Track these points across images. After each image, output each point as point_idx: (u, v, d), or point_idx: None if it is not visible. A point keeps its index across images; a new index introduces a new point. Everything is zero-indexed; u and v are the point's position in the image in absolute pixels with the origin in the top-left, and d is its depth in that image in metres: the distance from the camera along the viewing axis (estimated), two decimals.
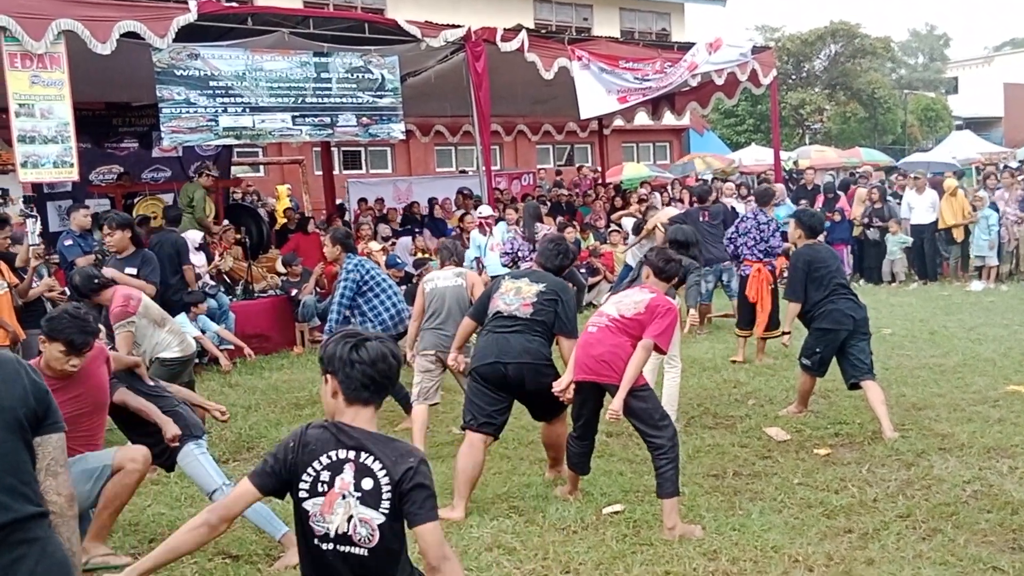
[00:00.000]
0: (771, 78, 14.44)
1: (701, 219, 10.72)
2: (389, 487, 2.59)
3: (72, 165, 9.10)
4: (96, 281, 6.11)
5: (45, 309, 8.15)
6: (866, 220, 14.54)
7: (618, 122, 18.36)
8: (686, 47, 13.47)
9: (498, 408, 5.29)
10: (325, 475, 2.62)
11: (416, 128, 17.56)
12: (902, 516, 4.85)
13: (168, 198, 12.80)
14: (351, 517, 2.60)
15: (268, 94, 10.37)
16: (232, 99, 10.16)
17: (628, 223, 13.45)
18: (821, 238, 7.28)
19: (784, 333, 7.21)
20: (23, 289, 7.62)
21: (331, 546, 2.63)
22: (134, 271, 7.21)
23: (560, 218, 15.12)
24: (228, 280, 11.27)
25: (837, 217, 14.39)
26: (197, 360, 8.85)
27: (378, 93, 11.13)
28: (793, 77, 41.02)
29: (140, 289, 6.51)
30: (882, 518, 4.83)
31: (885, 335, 9.60)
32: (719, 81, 14.14)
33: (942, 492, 5.15)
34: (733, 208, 14.53)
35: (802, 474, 5.62)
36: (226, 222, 12.45)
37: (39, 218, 10.38)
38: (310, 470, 2.63)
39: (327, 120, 10.84)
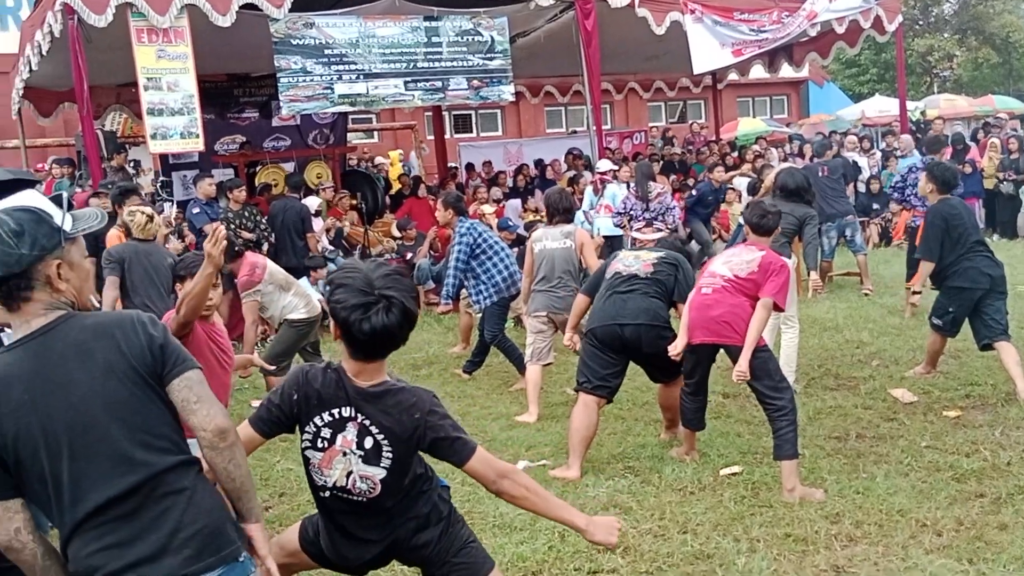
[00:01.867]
0: (896, 24, 13.72)
1: (820, 174, 10.36)
2: (390, 447, 2.56)
3: (198, 136, 9.46)
4: (235, 248, 6.39)
5: None
6: (1000, 172, 13.77)
7: (733, 76, 17.79)
8: None
9: (612, 371, 5.27)
10: (326, 432, 2.59)
11: (526, 89, 17.49)
12: None
13: (288, 166, 13.16)
14: (350, 473, 2.59)
15: (380, 60, 10.51)
16: (346, 66, 10.34)
17: (742, 183, 13.12)
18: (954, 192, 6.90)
19: (914, 292, 6.92)
20: None
21: (328, 494, 2.67)
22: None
23: (673, 177, 14.90)
24: (346, 245, 11.56)
25: (968, 169, 13.67)
26: (321, 323, 9.16)
27: (488, 55, 11.12)
28: (920, 22, 38.95)
29: None
30: (1016, 482, 4.62)
31: (1022, 292, 9.11)
32: (840, 30, 13.51)
33: None
34: (855, 162, 14.02)
35: (930, 437, 5.42)
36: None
37: (173, 200, 10.86)
38: (312, 424, 2.59)
39: (438, 84, 10.91)
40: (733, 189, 13.32)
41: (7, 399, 1.98)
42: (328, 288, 2.57)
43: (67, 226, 2.09)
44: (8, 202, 2.05)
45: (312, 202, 11.06)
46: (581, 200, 11.68)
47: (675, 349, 4.97)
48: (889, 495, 4.57)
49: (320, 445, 2.60)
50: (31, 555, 2.01)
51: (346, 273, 2.53)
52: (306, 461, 2.67)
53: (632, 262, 5.33)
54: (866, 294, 9.94)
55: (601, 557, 4.08)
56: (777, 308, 4.88)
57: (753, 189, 10.81)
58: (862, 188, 14.26)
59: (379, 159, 18.31)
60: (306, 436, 2.62)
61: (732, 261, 4.97)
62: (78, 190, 10.38)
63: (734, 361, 4.78)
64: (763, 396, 4.75)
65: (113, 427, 2.00)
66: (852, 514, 4.39)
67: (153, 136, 9.29)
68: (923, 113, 24.06)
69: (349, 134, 16.43)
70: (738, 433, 5.72)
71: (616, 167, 11.83)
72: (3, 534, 2.00)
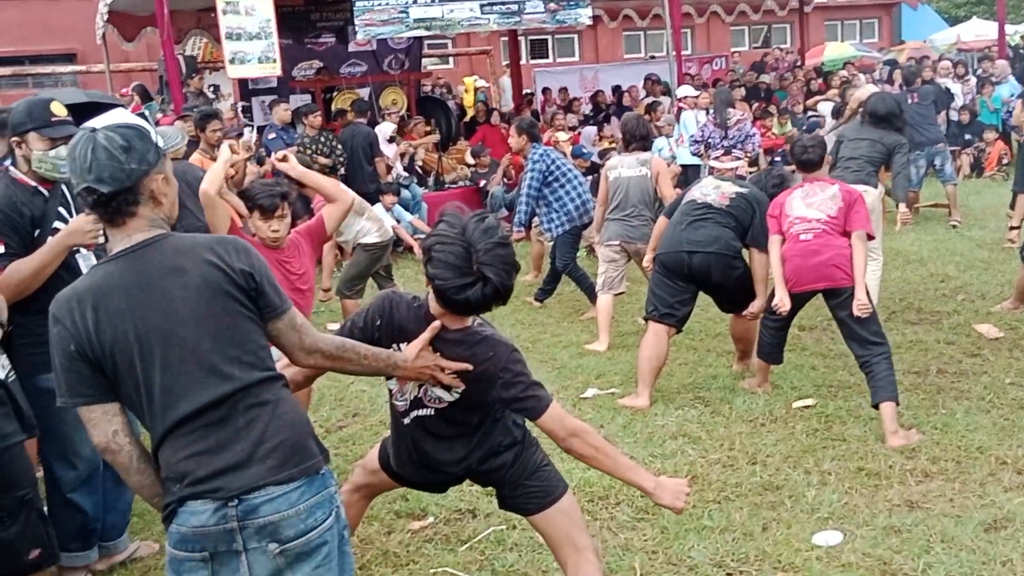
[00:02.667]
0: None
1: (910, 101, 9.92)
2: (462, 385, 2.58)
3: (275, 61, 9.49)
4: (323, 172, 6.50)
5: None
6: None
7: None
8: None
9: (680, 299, 5.19)
10: None
11: (604, 13, 17.04)
12: None
13: (364, 92, 13.16)
14: (423, 386, 2.64)
15: None
16: None
17: (826, 108, 12.67)
18: None
19: (1012, 228, 6.62)
20: (238, 180, 8.10)
21: (409, 420, 2.71)
22: None
23: (755, 104, 14.46)
24: (420, 172, 11.57)
25: None
26: (393, 248, 9.25)
27: None
28: None
29: None
30: None
31: None
32: None
33: None
34: (947, 89, 13.39)
35: (1015, 373, 5.24)
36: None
37: (253, 125, 10.99)
38: (393, 347, 2.58)
39: (514, 7, 10.70)
40: (817, 115, 12.89)
41: (106, 306, 2.04)
42: (424, 249, 2.55)
43: (160, 142, 2.16)
44: (108, 120, 2.11)
45: (386, 128, 11.06)
46: (659, 129, 11.44)
47: (780, 305, 4.77)
48: (968, 431, 4.46)
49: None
50: (127, 457, 2.09)
51: (445, 240, 2.46)
52: (389, 395, 2.75)
53: (710, 191, 5.20)
54: (954, 226, 9.58)
55: None
56: (869, 237, 4.77)
57: (837, 112, 10.42)
58: (954, 116, 13.65)
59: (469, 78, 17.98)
60: None
61: (813, 201, 4.81)
62: (160, 115, 10.56)
63: (835, 301, 4.67)
64: (865, 340, 4.60)
65: (204, 340, 2.06)
66: (929, 450, 4.30)
67: (231, 61, 9.35)
68: (1023, 37, 22.78)
69: (424, 60, 16.32)
70: (813, 366, 5.62)
71: (696, 93, 11.52)
72: (101, 436, 2.08)
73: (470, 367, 2.52)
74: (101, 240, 3.40)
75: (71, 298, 2.08)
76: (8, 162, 3.44)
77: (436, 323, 2.51)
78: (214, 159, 7.61)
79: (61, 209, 3.40)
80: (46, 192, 3.38)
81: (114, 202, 2.05)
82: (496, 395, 2.56)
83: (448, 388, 2.60)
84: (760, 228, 5.08)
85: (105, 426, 2.08)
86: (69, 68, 14.20)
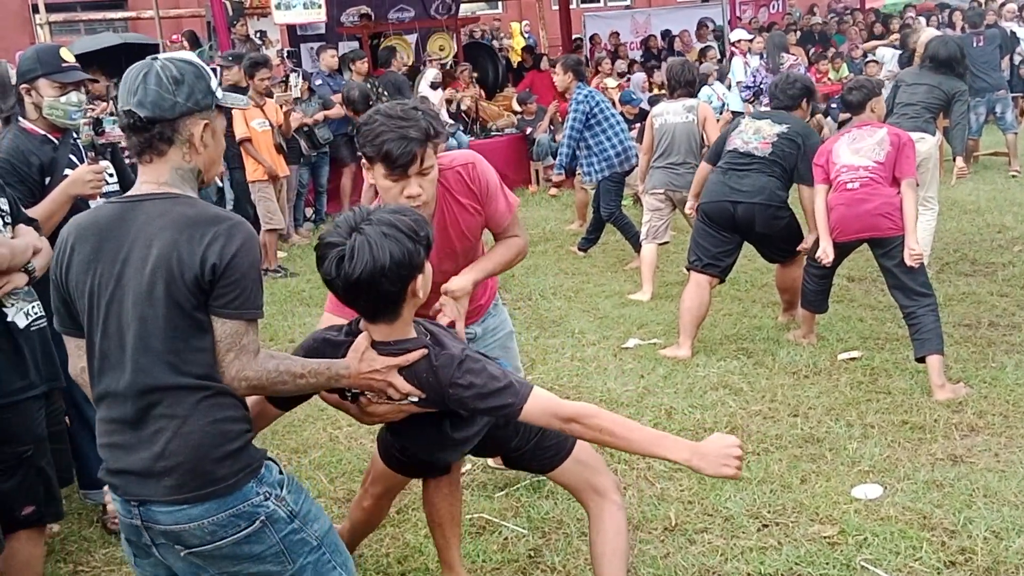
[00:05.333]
0: None
1: (974, 44, 9.57)
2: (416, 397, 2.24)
3: (320, 6, 9.46)
4: (369, 102, 6.47)
5: (301, 149, 8.75)
6: None
7: None
8: None
9: (724, 250, 5.12)
10: None
11: None
12: None
13: (411, 38, 13.07)
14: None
15: None
16: None
17: (885, 54, 12.27)
18: None
19: None
20: (285, 129, 8.14)
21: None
22: None
23: (812, 49, 14.07)
24: (466, 118, 11.50)
25: None
26: None
27: None
28: None
29: None
30: None
31: None
32: None
33: None
34: (1013, 33, 12.88)
35: None
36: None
37: (300, 73, 10.97)
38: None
39: None
40: (875, 61, 12.50)
41: (80, 249, 2.00)
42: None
43: (219, 93, 2.08)
44: (173, 54, 2.08)
45: (429, 74, 10.99)
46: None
47: (824, 257, 4.68)
48: (1017, 386, 4.36)
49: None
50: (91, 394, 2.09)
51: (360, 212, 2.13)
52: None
53: (751, 137, 5.06)
54: (1013, 175, 9.29)
55: (707, 435, 3.99)
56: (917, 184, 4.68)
57: (907, 60, 10.06)
58: (1018, 60, 13.14)
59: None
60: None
61: (860, 147, 4.68)
62: (209, 61, 10.60)
63: (881, 251, 4.58)
64: (912, 290, 4.50)
65: (135, 324, 1.93)
66: (976, 404, 4.21)
67: (277, 6, 9.34)
68: None
69: (472, 5, 16.14)
70: (860, 318, 5.52)
71: (750, 37, 11.24)
72: (73, 368, 2.12)
73: (420, 392, 2.18)
74: (104, 189, 3.42)
75: (66, 228, 2.06)
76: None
77: (363, 335, 2.17)
78: (260, 107, 7.68)
79: (72, 157, 3.42)
80: (56, 140, 3.40)
81: (148, 131, 1.97)
82: (456, 409, 2.25)
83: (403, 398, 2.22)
84: (806, 164, 4.94)
85: (75, 360, 2.09)
86: (120, 14, 14.29)
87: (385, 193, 2.60)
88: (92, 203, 3.41)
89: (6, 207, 2.78)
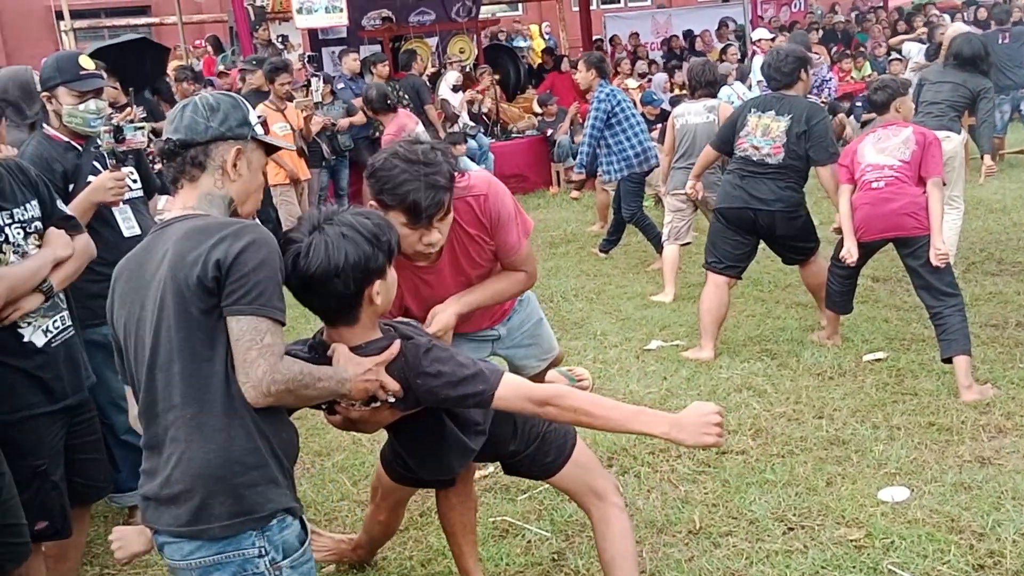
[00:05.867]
0: None
1: (1000, 41, 9.47)
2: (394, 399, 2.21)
3: (341, 10, 9.51)
4: (388, 101, 6.50)
5: (323, 152, 8.79)
6: None
7: None
8: None
9: (743, 252, 5.08)
10: None
11: None
12: None
13: (432, 41, 13.10)
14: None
15: None
16: None
17: (912, 49, 12.16)
18: None
19: None
20: (306, 132, 8.18)
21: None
22: None
23: (834, 47, 13.98)
24: (487, 120, 11.50)
25: None
26: None
27: None
28: None
29: None
30: None
31: None
32: None
33: None
34: None
35: None
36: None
37: (322, 77, 11.04)
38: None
39: None
40: (899, 59, 12.41)
41: (118, 289, 2.01)
42: None
43: (258, 129, 2.09)
44: (216, 92, 2.13)
45: (450, 77, 11.01)
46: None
47: (848, 256, 4.63)
48: None
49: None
50: None
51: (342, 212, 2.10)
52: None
53: (761, 142, 4.91)
54: None
55: (731, 438, 4.04)
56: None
57: (933, 54, 9.96)
58: None
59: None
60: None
61: (886, 146, 4.63)
62: (231, 66, 10.68)
63: (907, 250, 4.54)
64: (938, 290, 4.45)
65: (151, 341, 1.89)
66: (1003, 405, 4.16)
67: (299, 11, 9.40)
68: None
69: (492, 7, 16.15)
70: (886, 319, 5.47)
71: (771, 36, 11.17)
72: (131, 418, 2.07)
73: (397, 387, 2.13)
74: (125, 196, 3.43)
75: (115, 272, 2.05)
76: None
77: (338, 344, 2.11)
78: (281, 111, 7.72)
79: (96, 164, 3.44)
80: (79, 147, 3.42)
81: (181, 156, 1.99)
82: (423, 401, 2.21)
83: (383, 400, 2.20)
84: (818, 146, 4.83)
85: (132, 408, 2.05)
86: (143, 20, 14.44)
87: (402, 240, 2.38)
88: (115, 210, 3.45)
89: (36, 211, 2.74)
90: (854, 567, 3.03)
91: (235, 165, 2.02)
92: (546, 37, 18.43)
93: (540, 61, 15.05)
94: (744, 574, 3.07)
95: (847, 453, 3.85)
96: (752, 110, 5.04)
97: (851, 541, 3.19)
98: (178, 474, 1.87)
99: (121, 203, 3.42)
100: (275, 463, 1.93)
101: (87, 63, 3.38)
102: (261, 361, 1.83)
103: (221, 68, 10.61)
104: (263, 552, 1.89)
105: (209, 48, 12.99)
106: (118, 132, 3.42)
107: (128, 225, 3.50)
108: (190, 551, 1.88)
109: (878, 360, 4.82)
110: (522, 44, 16.83)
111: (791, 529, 3.32)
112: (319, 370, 1.98)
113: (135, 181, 3.61)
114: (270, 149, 2.16)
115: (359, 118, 9.09)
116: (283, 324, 1.91)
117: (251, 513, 1.87)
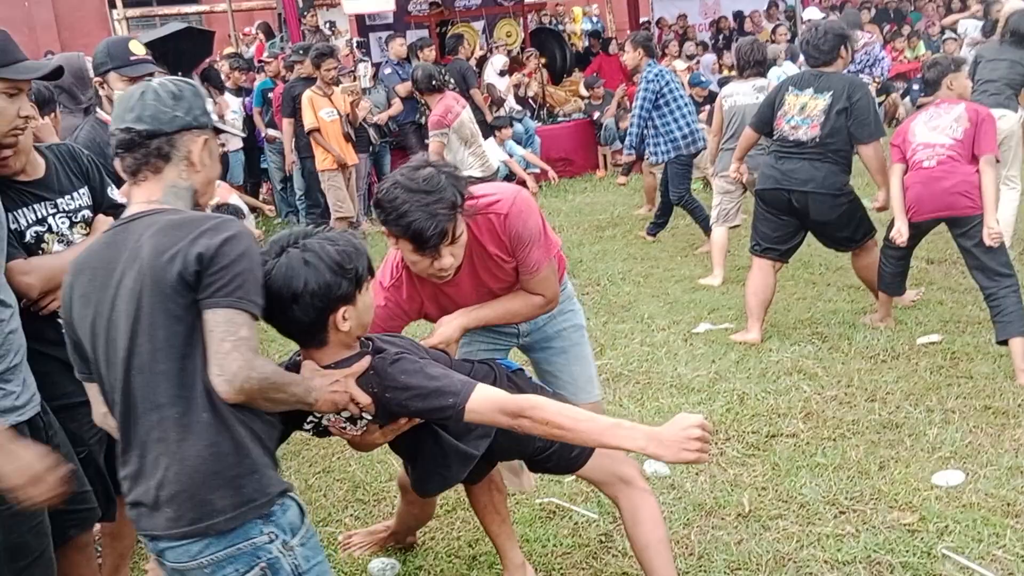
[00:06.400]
0: None
1: None
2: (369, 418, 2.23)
3: None
4: (433, 82, 6.50)
5: (370, 138, 8.85)
6: None
7: None
8: None
9: (783, 234, 4.96)
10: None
11: None
12: None
13: (478, 25, 13.08)
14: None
15: None
16: None
17: (968, 26, 11.85)
18: None
19: None
20: (353, 118, 8.24)
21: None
22: None
23: (887, 27, 13.69)
24: (533, 104, 11.47)
25: None
26: (507, 181, 9.26)
27: None
28: None
29: None
30: None
31: None
32: None
33: None
34: None
35: None
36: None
37: (369, 62, 11.11)
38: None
39: None
40: (953, 38, 12.11)
41: (79, 285, 1.94)
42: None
43: (214, 117, 2.06)
44: (169, 77, 2.09)
45: (497, 61, 10.99)
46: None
47: (897, 236, 4.56)
48: None
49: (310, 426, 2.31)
50: None
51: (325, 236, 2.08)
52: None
53: (799, 121, 4.81)
54: None
55: (781, 421, 4.00)
56: (996, 160, 4.50)
57: (990, 31, 9.68)
58: None
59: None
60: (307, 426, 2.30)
61: (938, 124, 4.53)
62: (279, 51, 10.76)
63: (959, 230, 4.45)
64: (992, 271, 4.36)
65: (128, 342, 1.84)
66: None
67: None
68: None
69: None
70: (940, 301, 5.37)
71: (822, 16, 10.96)
72: (97, 415, 2.04)
73: (368, 400, 2.13)
74: None
75: (69, 267, 1.99)
76: None
77: (307, 362, 2.11)
78: (328, 96, 7.77)
79: None
80: None
81: (146, 147, 1.91)
82: (403, 415, 2.21)
83: (358, 419, 2.22)
84: (860, 123, 4.68)
85: (97, 406, 2.01)
86: (193, 8, 14.59)
87: (414, 266, 2.48)
88: None
89: (85, 199, 2.74)
90: (907, 551, 2.99)
91: (201, 155, 1.97)
92: (594, 20, 18.27)
93: (585, 44, 14.95)
94: (794, 557, 3.04)
95: (900, 436, 3.79)
96: (790, 88, 4.93)
97: (904, 525, 3.15)
98: (172, 475, 1.83)
99: None
100: (261, 449, 1.91)
101: (137, 49, 3.43)
102: (236, 354, 1.77)
103: (265, 56, 10.69)
104: (272, 537, 1.88)
105: (260, 35, 13.09)
106: None
107: None
108: (199, 551, 1.85)
109: (932, 343, 4.73)
110: (569, 28, 16.74)
111: (842, 513, 3.28)
112: (289, 375, 1.97)
113: None
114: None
115: (396, 108, 9.12)
116: (258, 319, 1.87)
117: (252, 501, 1.86)
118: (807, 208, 4.82)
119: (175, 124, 1.93)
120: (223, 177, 7.80)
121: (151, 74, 3.54)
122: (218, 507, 1.83)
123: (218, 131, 2.07)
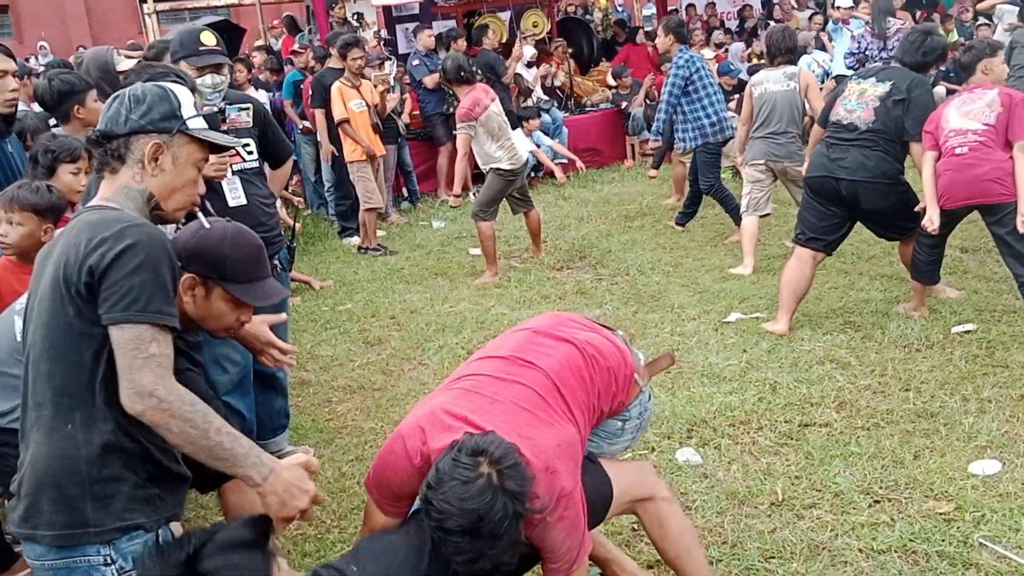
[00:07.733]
0: None
1: None
2: None
3: None
4: (462, 73, 6.49)
5: (398, 129, 8.86)
6: None
7: None
8: None
9: (829, 224, 4.89)
10: None
11: None
12: None
13: (505, 15, 13.04)
14: None
15: None
16: None
17: (1005, 10, 11.67)
18: None
19: None
20: (381, 108, 8.25)
21: None
22: None
23: (919, 13, 13.51)
24: (560, 95, 11.44)
25: None
26: (533, 173, 9.24)
27: None
28: None
29: None
30: None
31: None
32: None
33: None
34: None
35: None
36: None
37: (395, 59, 11.15)
38: None
39: None
40: (987, 25, 11.94)
41: (32, 278, 2.00)
42: None
43: (191, 119, 2.00)
44: (158, 82, 2.14)
45: (525, 51, 10.97)
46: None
47: (929, 224, 4.52)
48: None
49: None
50: None
51: None
52: None
53: (854, 105, 4.79)
54: None
55: (814, 410, 3.98)
56: None
57: None
58: None
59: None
60: None
61: (970, 110, 4.48)
62: (307, 44, 10.80)
63: (992, 218, 4.40)
64: (1019, 252, 4.32)
65: (30, 334, 1.91)
66: None
67: None
68: None
69: None
70: (975, 289, 5.31)
71: (851, 4, 10.83)
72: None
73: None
74: (236, 167, 3.55)
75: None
76: None
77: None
78: (356, 87, 7.79)
79: None
80: None
81: (103, 147, 1.97)
82: None
83: None
84: (914, 118, 4.65)
85: None
86: (223, 1, 14.66)
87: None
88: (224, 183, 3.56)
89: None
90: (943, 540, 2.97)
91: (155, 159, 1.95)
92: (619, 10, 18.18)
93: (611, 33, 14.86)
94: (829, 546, 3.03)
95: (935, 426, 3.76)
96: (855, 78, 4.94)
97: (940, 514, 3.13)
98: (27, 474, 1.85)
99: (229, 173, 3.53)
100: (148, 471, 1.87)
101: (208, 39, 3.51)
102: (147, 371, 1.75)
103: (296, 47, 10.73)
104: (108, 560, 1.85)
105: (285, 28, 13.15)
106: (220, 112, 3.54)
107: (235, 195, 3.63)
108: (40, 553, 1.85)
109: (967, 332, 4.68)
110: (596, 16, 16.66)
111: (877, 502, 3.26)
112: (229, 430, 1.83)
113: (250, 153, 3.74)
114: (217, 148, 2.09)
115: (393, 101, 9.07)
116: (172, 329, 1.83)
117: (86, 526, 1.82)
118: (856, 197, 4.75)
119: (127, 127, 1.96)
120: None
121: (220, 64, 3.61)
122: (47, 520, 1.82)
123: (198, 138, 2.02)
